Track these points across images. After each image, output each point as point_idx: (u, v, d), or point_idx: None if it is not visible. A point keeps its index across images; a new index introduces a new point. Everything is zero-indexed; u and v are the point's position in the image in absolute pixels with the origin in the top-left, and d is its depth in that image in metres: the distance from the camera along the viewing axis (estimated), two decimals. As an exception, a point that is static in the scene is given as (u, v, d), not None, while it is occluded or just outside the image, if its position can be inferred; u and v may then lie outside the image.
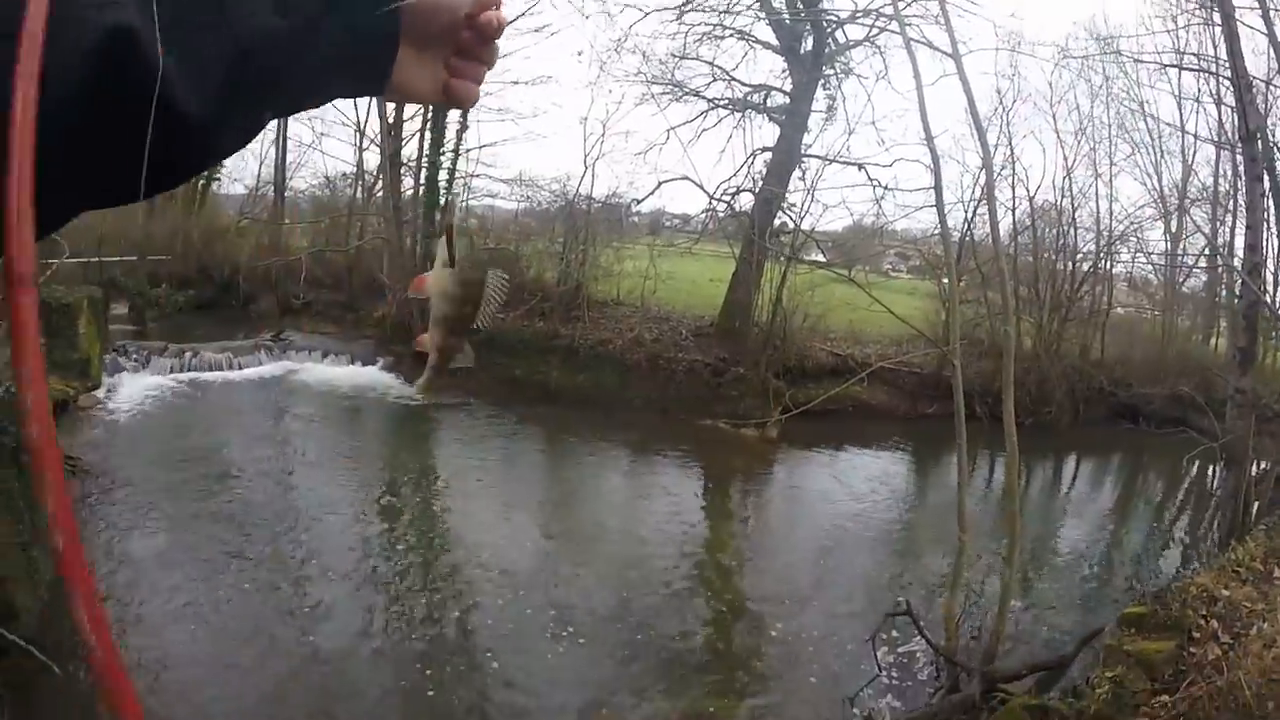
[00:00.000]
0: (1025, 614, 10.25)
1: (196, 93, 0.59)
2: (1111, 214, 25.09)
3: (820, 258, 22.24)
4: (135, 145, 0.56)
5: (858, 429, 18.73)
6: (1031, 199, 24.45)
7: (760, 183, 21.56)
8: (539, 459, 15.86)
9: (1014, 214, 23.53)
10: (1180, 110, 24.11)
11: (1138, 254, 26.49)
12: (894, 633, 9.24)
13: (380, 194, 23.39)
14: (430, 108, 21.41)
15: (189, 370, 18.16)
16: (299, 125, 26.80)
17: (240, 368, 19.09)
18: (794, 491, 15.65)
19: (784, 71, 22.20)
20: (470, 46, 0.89)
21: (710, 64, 22.71)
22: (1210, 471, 17.34)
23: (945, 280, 19.83)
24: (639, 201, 23.81)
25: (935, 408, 19.31)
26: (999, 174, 20.70)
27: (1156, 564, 13.18)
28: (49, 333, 13.36)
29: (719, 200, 22.75)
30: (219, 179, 28.75)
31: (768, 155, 22.04)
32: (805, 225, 21.21)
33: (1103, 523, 15.35)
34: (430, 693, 7.64)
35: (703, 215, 24.81)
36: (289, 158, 28.67)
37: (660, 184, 22.79)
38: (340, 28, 0.72)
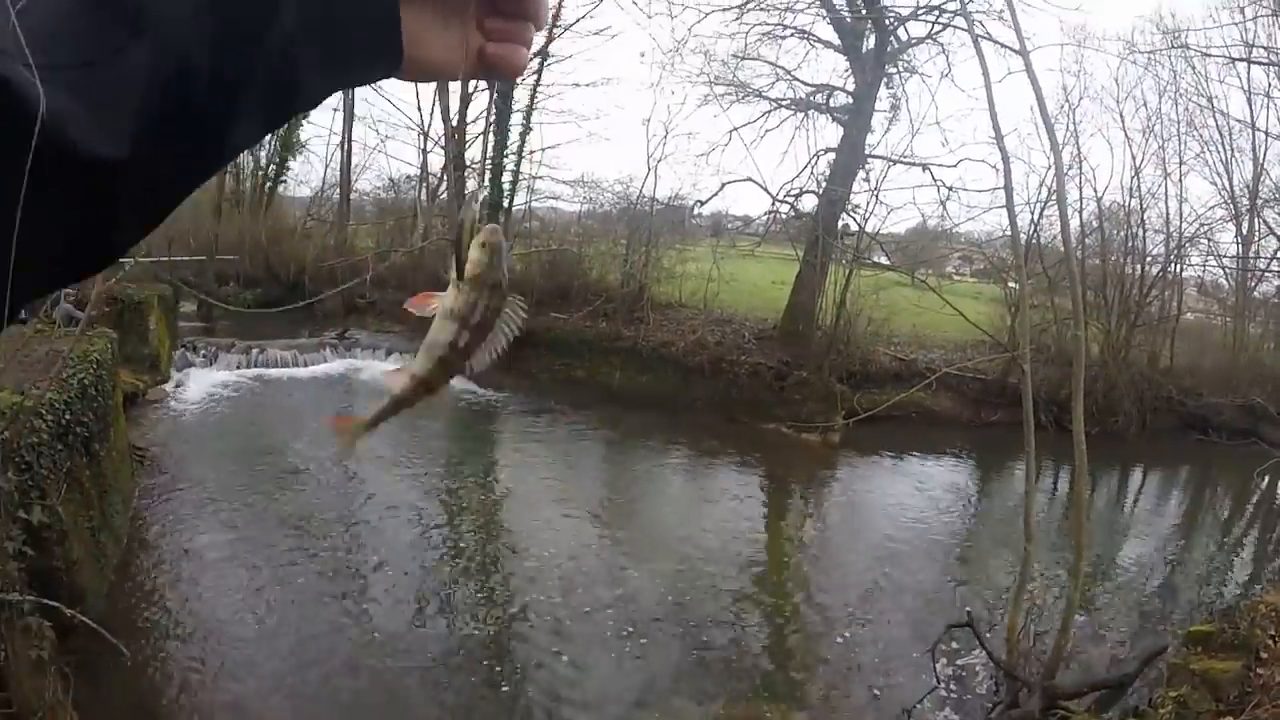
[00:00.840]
0: (1087, 629, 10.07)
1: (104, 128, 0.48)
2: (1181, 215, 24.32)
3: (884, 260, 22.11)
4: (55, 213, 0.48)
5: (921, 435, 18.57)
6: (1099, 200, 23.97)
7: (824, 184, 21.37)
8: (601, 459, 16.05)
9: (1081, 215, 23.05)
10: (1250, 106, 23.30)
11: (1209, 257, 25.78)
12: (954, 644, 9.19)
13: (444, 195, 23.74)
14: (493, 109, 21.73)
15: (255, 366, 18.85)
16: (363, 128, 27.30)
17: (306, 365, 19.75)
18: (856, 498, 15.56)
19: (846, 71, 22.07)
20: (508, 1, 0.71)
21: (772, 64, 22.75)
22: (1281, 486, 16.91)
23: (1012, 284, 19.60)
24: (703, 203, 23.99)
25: (1000, 415, 19.12)
26: (1066, 174, 20.33)
27: (1223, 580, 12.84)
28: (122, 328, 13.92)
29: (782, 201, 22.72)
30: (285, 181, 29.88)
31: (831, 156, 21.90)
32: (869, 227, 21.11)
33: (1169, 536, 14.97)
34: (503, 687, 7.86)
35: (765, 217, 24.77)
36: (354, 160, 29.56)
37: (724, 185, 22.94)
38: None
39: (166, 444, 13.06)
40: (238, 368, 18.53)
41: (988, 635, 8.68)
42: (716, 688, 8.29)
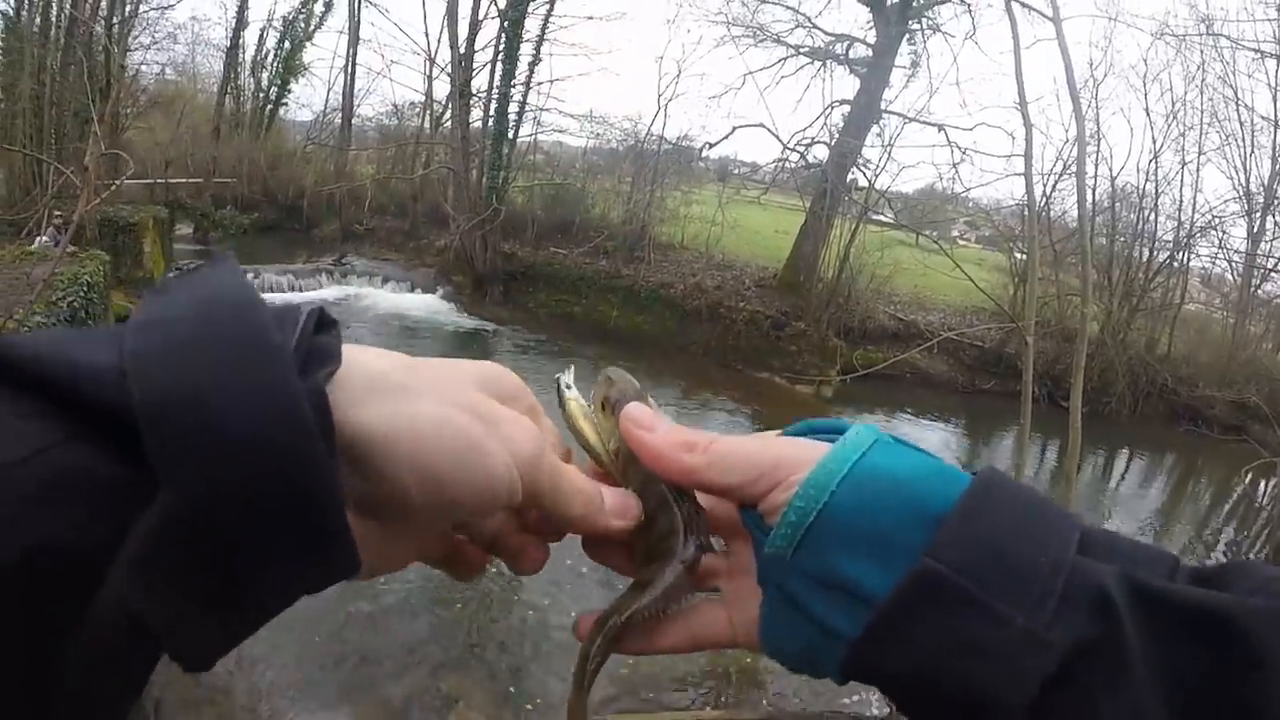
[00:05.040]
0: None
1: None
2: (1194, 205, 23.89)
3: (890, 218, 21.84)
4: None
5: (913, 396, 18.53)
6: (1114, 179, 23.59)
7: (836, 135, 21.03)
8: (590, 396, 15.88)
9: (1094, 193, 22.64)
10: (1276, 103, 22.82)
11: (1218, 250, 25.39)
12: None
13: (448, 124, 23.40)
14: (502, 37, 21.31)
15: None
16: (368, 52, 26.73)
17: (301, 290, 19.47)
18: (842, 454, 15.35)
19: (869, 23, 21.55)
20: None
21: (793, 9, 22.33)
22: (1263, 485, 16.70)
23: (1019, 255, 19.39)
24: (712, 145, 23.59)
25: (993, 384, 19.15)
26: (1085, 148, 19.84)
27: (1194, 573, 12.81)
28: (115, 250, 13.76)
29: (793, 150, 22.36)
30: (286, 104, 29.43)
31: (846, 108, 21.53)
32: (879, 184, 20.73)
33: (1147, 521, 14.86)
34: (463, 611, 7.71)
35: (774, 164, 24.30)
36: (357, 84, 29.21)
37: (735, 129, 22.63)
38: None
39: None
40: (233, 291, 18.25)
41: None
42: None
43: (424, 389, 0.44)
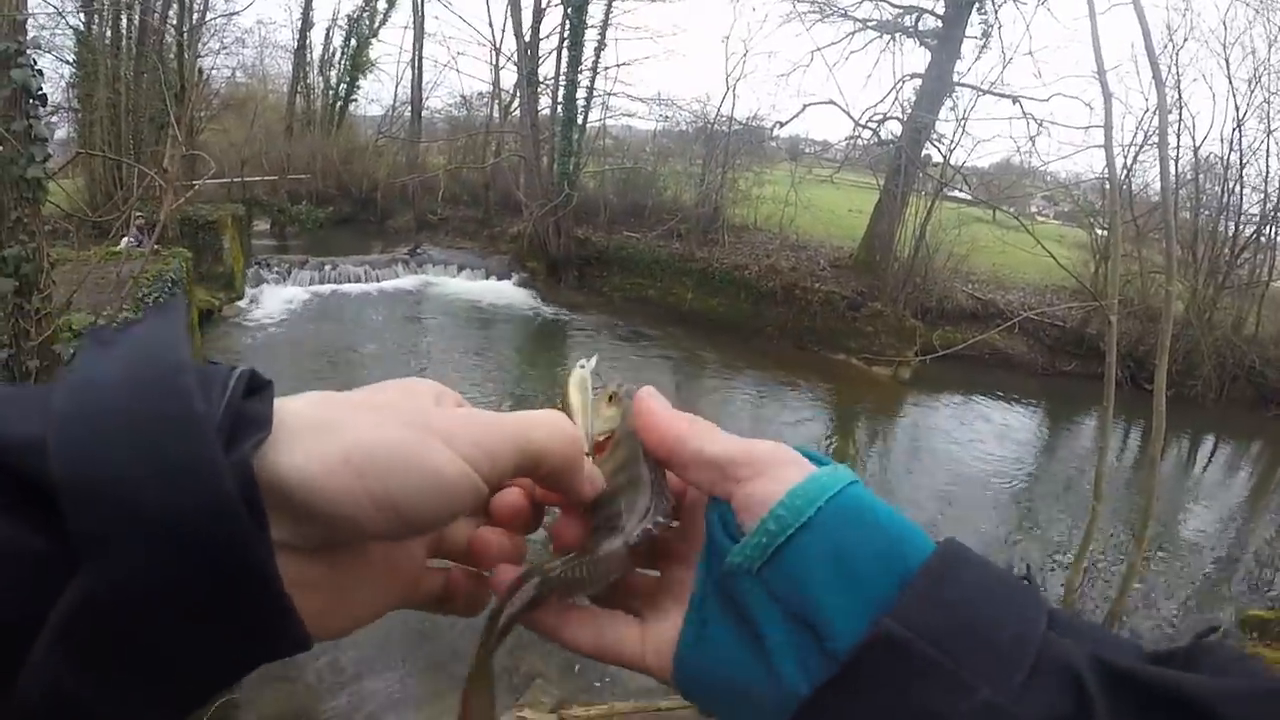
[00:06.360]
0: (1138, 596, 9.68)
1: None
2: (1281, 176, 22.71)
3: (966, 194, 21.40)
4: None
5: (992, 378, 18.15)
6: (1196, 150, 22.49)
7: (909, 111, 20.64)
8: (669, 380, 15.99)
9: (1177, 165, 21.74)
10: (1364, 66, 21.62)
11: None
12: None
13: (517, 112, 23.60)
14: (566, 24, 21.36)
15: (328, 283, 19.26)
16: (434, 45, 27.05)
17: (378, 280, 20.06)
18: (920, 436, 15.27)
19: (938, -8, 20.99)
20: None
21: (860, -18, 21.77)
22: (1358, 478, 16.00)
23: (1100, 231, 18.83)
24: (782, 124, 23.36)
25: (1074, 365, 18.72)
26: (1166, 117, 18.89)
27: (1280, 566, 12.38)
28: (196, 248, 14.37)
29: (864, 126, 21.98)
30: (355, 100, 30.26)
31: (917, 82, 21.03)
32: (954, 159, 20.28)
33: (1232, 512, 14.32)
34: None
35: (845, 142, 23.77)
36: (425, 77, 29.80)
37: (805, 107, 22.28)
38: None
39: (241, 358, 13.24)
40: (311, 284, 18.96)
41: (1043, 591, 8.38)
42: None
43: (352, 420, 0.43)
